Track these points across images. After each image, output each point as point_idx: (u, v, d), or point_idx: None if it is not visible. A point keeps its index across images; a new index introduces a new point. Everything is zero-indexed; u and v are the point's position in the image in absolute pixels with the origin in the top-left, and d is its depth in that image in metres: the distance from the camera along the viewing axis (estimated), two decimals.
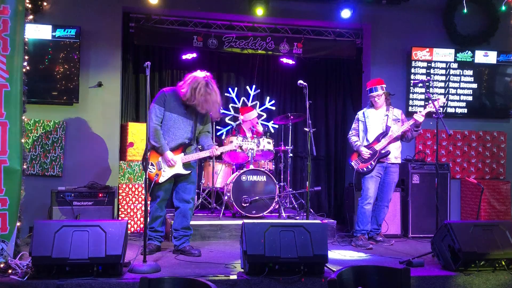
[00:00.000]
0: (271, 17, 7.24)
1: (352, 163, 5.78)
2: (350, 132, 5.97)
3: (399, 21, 7.47)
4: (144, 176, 4.30)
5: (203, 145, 5.05)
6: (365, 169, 5.67)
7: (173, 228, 5.06)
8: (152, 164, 4.78)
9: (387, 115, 5.75)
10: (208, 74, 4.80)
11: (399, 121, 5.77)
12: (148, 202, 4.77)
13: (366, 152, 5.66)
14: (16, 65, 4.24)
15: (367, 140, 5.77)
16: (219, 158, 6.83)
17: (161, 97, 4.82)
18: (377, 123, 5.77)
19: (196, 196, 6.71)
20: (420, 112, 5.54)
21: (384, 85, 5.74)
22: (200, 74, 4.77)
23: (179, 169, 4.82)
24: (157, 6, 6.72)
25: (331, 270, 4.10)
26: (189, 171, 4.87)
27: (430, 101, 5.42)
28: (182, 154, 4.84)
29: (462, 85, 7.54)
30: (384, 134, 5.68)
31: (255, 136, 6.85)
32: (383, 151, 5.63)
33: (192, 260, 4.62)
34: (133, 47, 7.37)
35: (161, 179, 4.79)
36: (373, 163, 5.63)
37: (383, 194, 5.80)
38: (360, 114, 5.93)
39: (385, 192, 5.79)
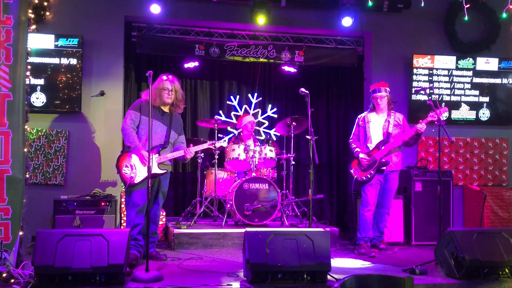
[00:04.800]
0: (272, 26, 7.26)
1: (352, 171, 5.77)
2: (351, 138, 5.97)
3: (400, 29, 7.49)
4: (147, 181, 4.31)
5: (177, 149, 5.13)
6: (364, 178, 5.65)
7: (141, 234, 4.90)
8: (126, 166, 4.83)
9: (388, 121, 5.73)
10: (169, 76, 5.05)
11: (400, 126, 5.76)
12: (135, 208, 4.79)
13: (364, 159, 5.66)
14: (19, 75, 4.24)
15: (367, 147, 5.76)
16: (221, 166, 6.83)
17: (138, 104, 5.02)
18: (377, 130, 5.75)
19: (199, 204, 6.74)
20: (421, 122, 5.50)
21: (387, 88, 5.74)
22: (162, 77, 5.04)
23: (155, 169, 4.81)
24: (159, 15, 6.75)
25: (334, 278, 4.09)
26: (165, 170, 4.94)
27: (432, 111, 5.39)
28: (157, 154, 4.87)
29: (464, 92, 7.54)
30: (384, 142, 5.66)
31: (258, 143, 6.84)
32: (383, 160, 5.61)
33: (195, 269, 4.62)
34: (135, 56, 7.41)
35: (137, 179, 4.79)
36: (372, 172, 5.61)
37: (384, 201, 5.77)
38: (360, 118, 5.90)
39: (385, 199, 5.77)
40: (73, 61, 6.53)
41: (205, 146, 5.25)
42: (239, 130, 7.39)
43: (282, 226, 6.24)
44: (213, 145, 5.24)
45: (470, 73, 7.53)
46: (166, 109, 5.09)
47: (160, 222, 6.14)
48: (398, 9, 7.29)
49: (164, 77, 5.01)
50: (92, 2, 6.74)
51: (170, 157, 4.98)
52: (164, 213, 6.44)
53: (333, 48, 7.74)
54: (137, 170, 4.82)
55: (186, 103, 7.76)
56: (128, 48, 7.17)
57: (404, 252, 5.89)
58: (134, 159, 4.86)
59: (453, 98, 7.52)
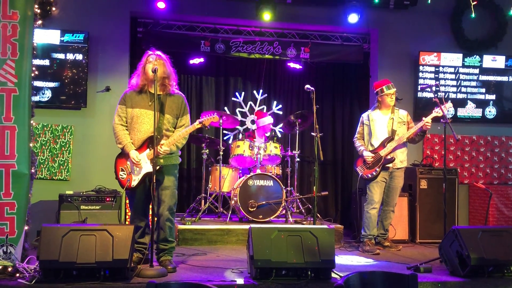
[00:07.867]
0: (278, 22, 7.24)
1: (357, 169, 5.75)
2: (355, 136, 5.94)
3: (406, 26, 7.45)
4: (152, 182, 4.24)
5: None
6: (369, 175, 5.63)
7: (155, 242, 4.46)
8: (122, 170, 4.43)
9: (392, 118, 5.71)
10: (155, 51, 4.56)
11: (405, 124, 5.73)
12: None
13: (369, 157, 5.63)
14: (25, 70, 4.25)
15: (371, 144, 5.73)
16: (225, 162, 6.83)
17: (122, 97, 4.53)
18: (382, 127, 5.72)
19: (204, 200, 6.74)
20: (424, 119, 5.48)
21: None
22: (147, 52, 4.57)
23: (148, 167, 4.34)
24: (165, 11, 6.75)
25: (338, 275, 4.08)
26: (158, 167, 4.27)
27: (436, 107, 5.39)
28: (148, 150, 4.37)
29: (470, 89, 7.50)
30: (389, 139, 5.63)
31: (266, 143, 6.77)
32: (388, 157, 5.59)
33: (199, 265, 4.62)
34: (140, 51, 7.36)
35: (133, 183, 4.38)
36: (378, 169, 5.59)
37: (389, 199, 5.76)
38: (364, 116, 5.88)
39: (391, 196, 5.75)
40: (79, 57, 6.55)
41: (192, 127, 4.50)
42: (245, 127, 7.38)
43: (287, 223, 6.23)
44: (202, 124, 4.51)
45: (477, 70, 7.49)
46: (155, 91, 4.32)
47: None
48: (404, 6, 7.27)
49: (150, 52, 4.53)
50: None
51: (165, 149, 4.32)
52: None
53: (339, 45, 7.72)
54: (133, 173, 4.41)
55: (190, 98, 7.85)
56: (133, 44, 7.18)
57: (409, 249, 5.88)
58: (129, 161, 4.42)
59: (459, 96, 7.48)
